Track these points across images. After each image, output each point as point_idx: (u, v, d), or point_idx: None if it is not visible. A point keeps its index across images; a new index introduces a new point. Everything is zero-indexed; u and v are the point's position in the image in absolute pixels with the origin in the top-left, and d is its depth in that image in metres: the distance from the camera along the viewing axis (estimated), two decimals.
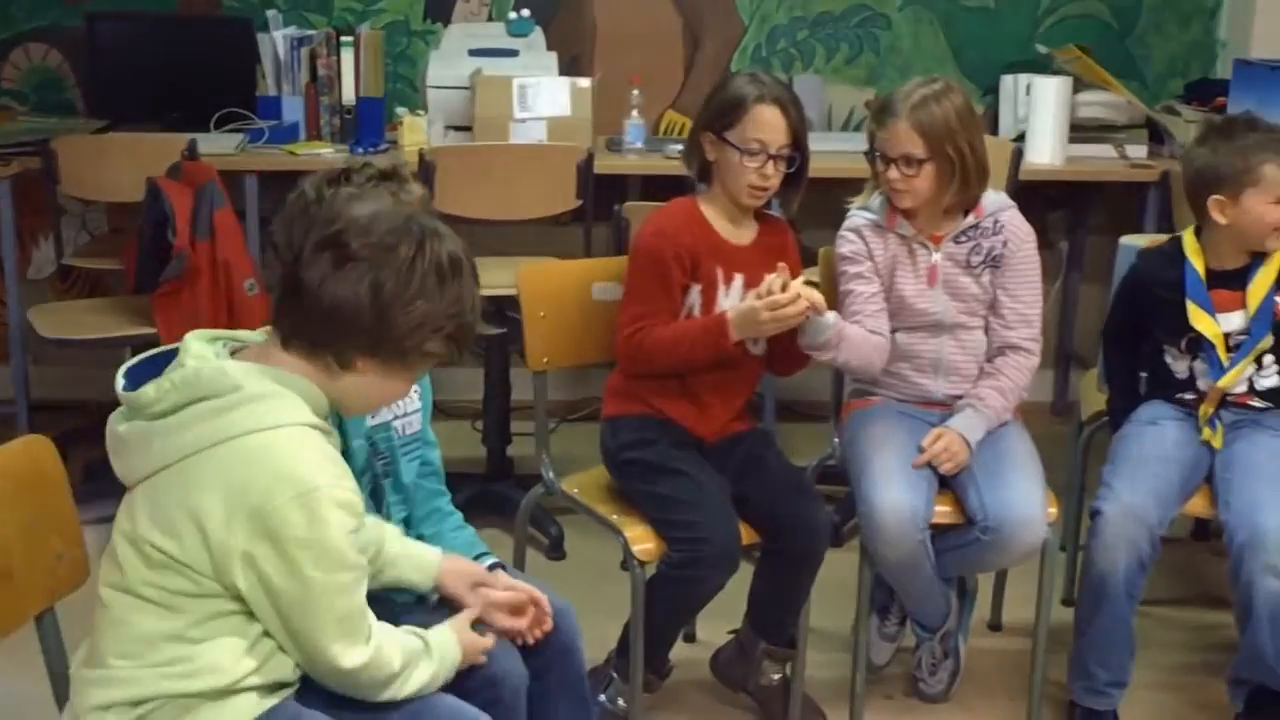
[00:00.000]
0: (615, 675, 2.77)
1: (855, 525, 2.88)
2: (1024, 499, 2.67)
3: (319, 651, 1.78)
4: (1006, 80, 4.42)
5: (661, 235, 2.69)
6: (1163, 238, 3.11)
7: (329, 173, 1.98)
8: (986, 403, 2.81)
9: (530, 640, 2.12)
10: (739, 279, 2.71)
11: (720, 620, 2.92)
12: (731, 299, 2.70)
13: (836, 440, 3.05)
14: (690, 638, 3.15)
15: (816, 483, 3.16)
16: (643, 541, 2.60)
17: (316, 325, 1.79)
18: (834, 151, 4.30)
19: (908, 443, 2.76)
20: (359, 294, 1.76)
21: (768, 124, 2.62)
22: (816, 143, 4.32)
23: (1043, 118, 4.18)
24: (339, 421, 2.04)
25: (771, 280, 2.53)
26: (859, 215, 2.91)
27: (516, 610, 2.11)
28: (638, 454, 2.69)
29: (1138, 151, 4.25)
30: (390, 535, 2.10)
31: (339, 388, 1.83)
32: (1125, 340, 3.05)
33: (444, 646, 1.94)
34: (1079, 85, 4.31)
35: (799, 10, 4.62)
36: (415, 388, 2.25)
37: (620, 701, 2.75)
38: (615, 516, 2.68)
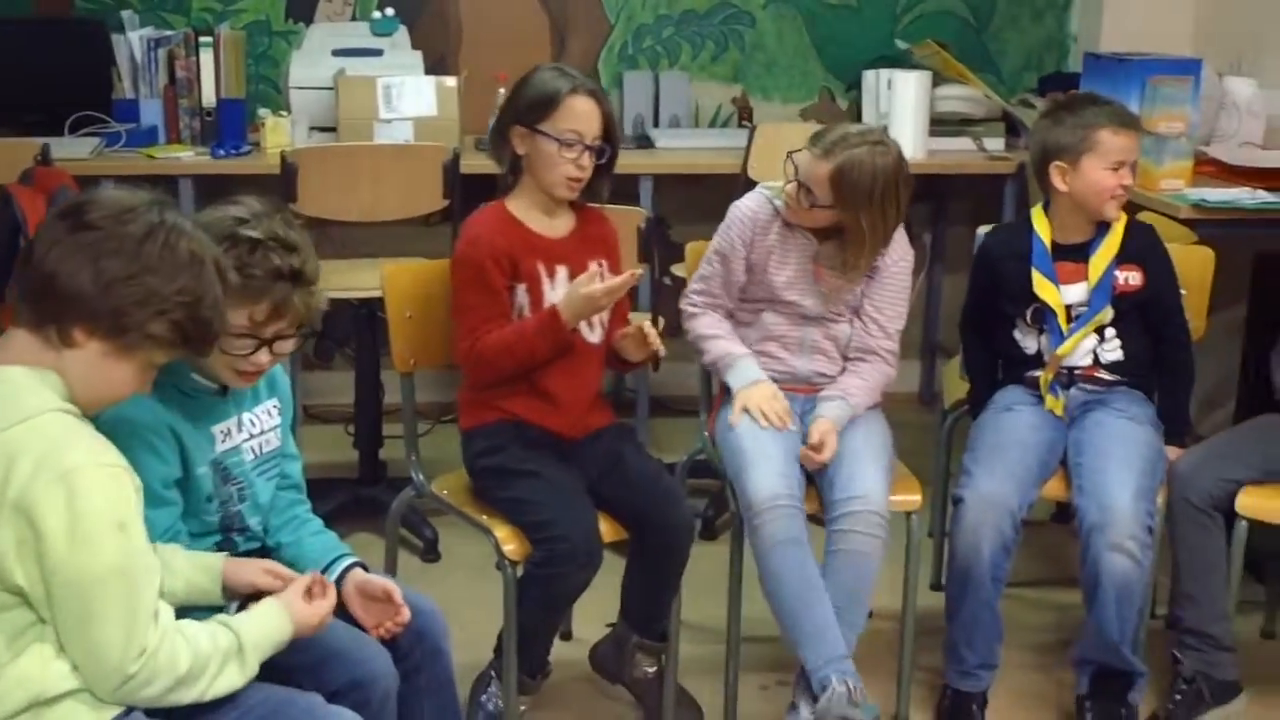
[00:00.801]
0: (494, 675, 2.76)
1: (729, 518, 2.90)
2: (868, 486, 2.72)
3: (95, 648, 1.72)
4: (868, 76, 4.48)
5: (475, 242, 2.67)
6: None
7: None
8: (853, 399, 2.86)
9: (384, 633, 2.12)
10: (562, 271, 2.72)
11: (599, 615, 2.93)
12: (558, 292, 2.70)
13: (707, 434, 3.07)
14: (567, 636, 3.14)
15: (688, 477, 3.20)
16: (511, 541, 2.59)
17: (39, 292, 1.76)
18: (702, 148, 4.37)
19: (779, 432, 2.79)
20: (81, 259, 1.74)
21: (583, 115, 2.63)
22: (685, 139, 4.44)
23: (903, 112, 4.24)
24: (181, 451, 2.02)
25: (590, 274, 2.60)
26: (765, 196, 2.94)
27: (372, 597, 2.13)
28: (490, 461, 2.68)
29: (995, 144, 4.34)
30: (171, 550, 2.03)
31: (65, 367, 1.77)
32: (981, 324, 3.13)
33: (265, 624, 1.90)
34: (938, 80, 4.39)
35: (664, 9, 4.63)
36: (274, 403, 2.22)
37: (499, 702, 2.73)
38: (485, 517, 2.66)
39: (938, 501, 3.42)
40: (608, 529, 2.66)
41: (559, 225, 2.76)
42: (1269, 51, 4.13)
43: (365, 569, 2.21)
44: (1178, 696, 2.86)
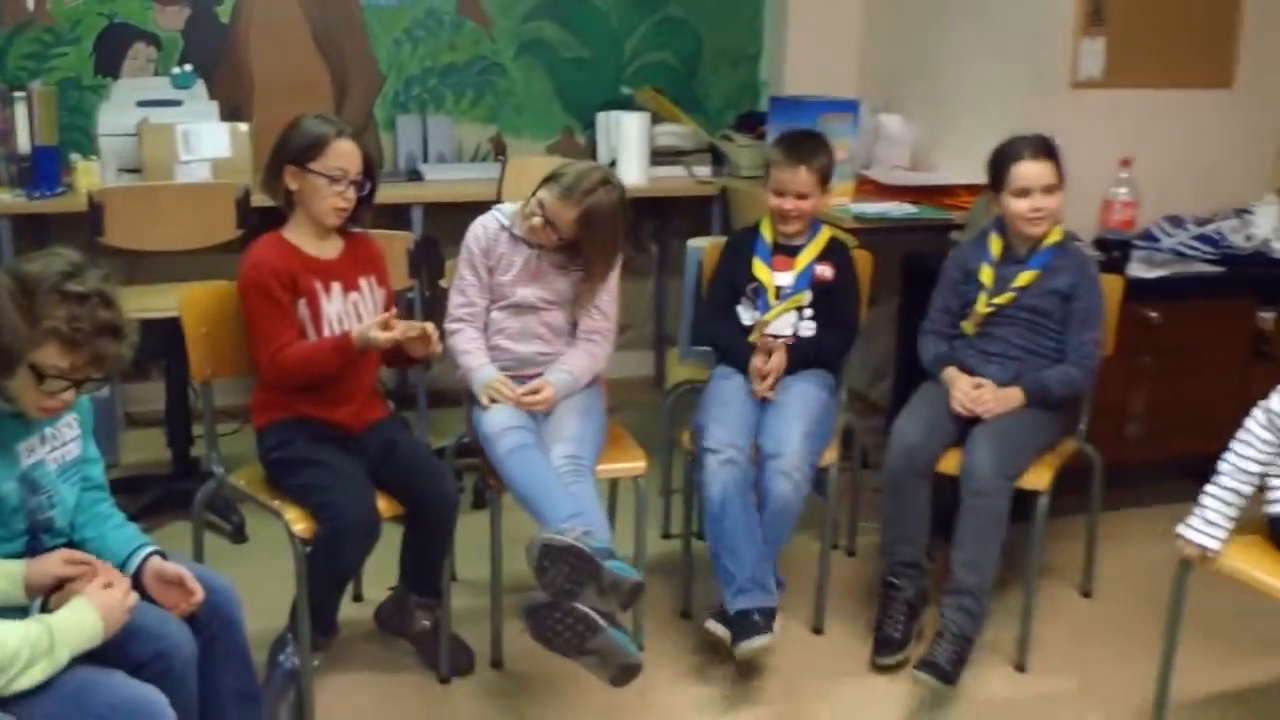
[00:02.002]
0: (291, 638, 2.69)
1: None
2: (575, 446, 2.77)
3: None
4: (601, 116, 4.53)
5: (258, 265, 2.63)
6: (721, 239, 3.41)
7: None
8: (575, 372, 2.91)
9: (182, 612, 2.06)
10: (336, 287, 2.70)
11: (385, 579, 2.90)
12: (335, 305, 2.69)
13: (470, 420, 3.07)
14: (358, 598, 3.10)
15: (458, 457, 3.19)
16: (300, 522, 2.54)
17: None
18: (464, 179, 4.34)
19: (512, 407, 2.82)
20: None
21: (347, 155, 2.62)
22: (449, 172, 4.40)
23: (629, 147, 4.30)
24: None
25: (383, 320, 2.59)
26: (494, 216, 2.96)
27: (168, 581, 2.06)
28: (280, 453, 2.64)
29: (704, 172, 4.43)
30: None
31: None
32: (723, 308, 3.20)
33: (74, 619, 1.83)
34: (656, 119, 4.47)
35: (429, 61, 4.57)
36: (73, 416, 2.12)
37: (295, 660, 2.67)
38: (277, 502, 2.60)
39: (664, 464, 3.49)
40: (387, 506, 2.63)
41: (330, 249, 2.73)
42: (913, 92, 4.32)
43: (164, 556, 2.12)
44: (900, 616, 2.94)
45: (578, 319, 2.97)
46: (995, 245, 3.03)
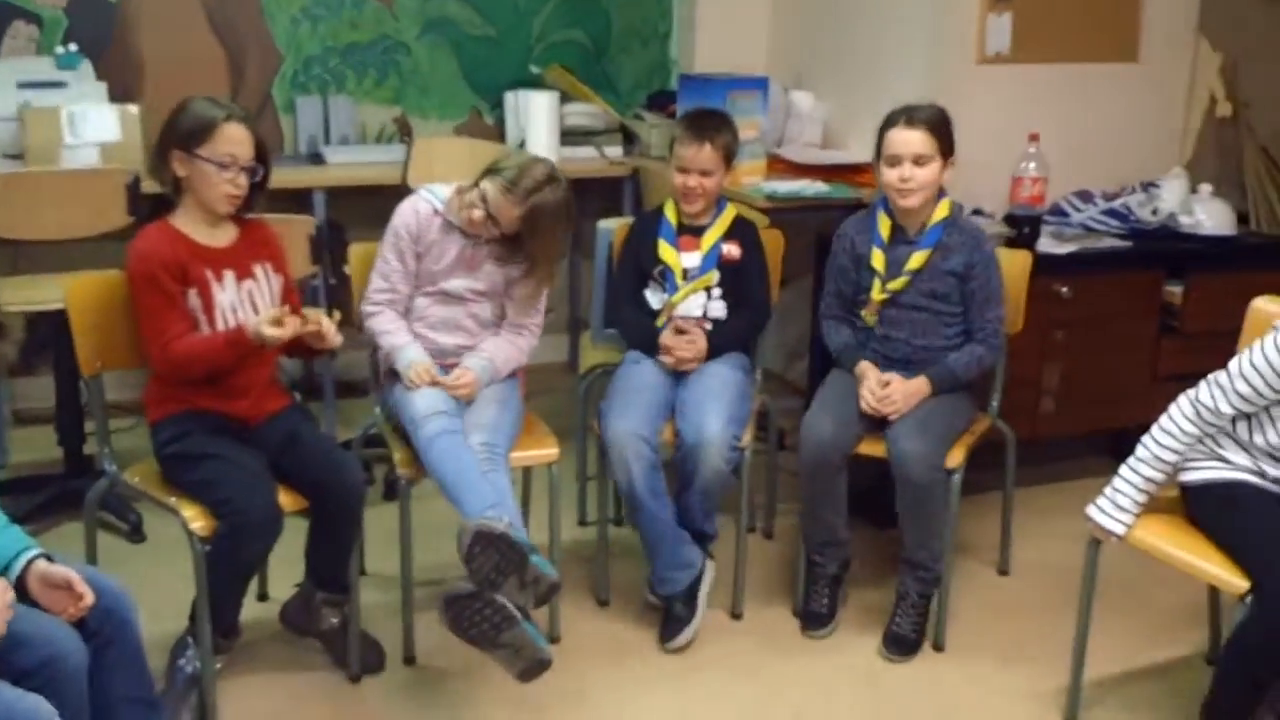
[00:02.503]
0: (191, 640, 2.60)
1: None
2: (490, 434, 2.73)
3: None
4: (509, 96, 4.45)
5: (144, 256, 2.52)
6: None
7: None
8: (497, 360, 2.88)
9: (70, 617, 1.98)
10: (229, 275, 2.61)
11: (292, 576, 2.80)
12: (228, 293, 2.60)
13: (378, 410, 2.99)
14: (264, 597, 3.00)
15: (365, 447, 3.11)
16: (198, 519, 2.44)
17: None
18: (368, 162, 4.23)
19: (436, 390, 2.76)
20: None
21: (237, 140, 2.52)
22: (352, 155, 4.29)
23: (538, 127, 4.23)
24: None
25: (274, 315, 2.50)
26: (426, 197, 2.90)
27: (54, 585, 1.97)
28: (176, 448, 2.54)
29: (615, 152, 4.38)
30: None
31: None
32: (629, 292, 3.17)
33: None
34: (566, 99, 4.40)
35: (330, 40, 4.45)
36: None
37: (196, 664, 2.58)
38: (173, 499, 2.50)
39: (580, 450, 3.44)
40: (290, 500, 2.55)
41: (222, 236, 2.63)
42: (824, 70, 4.30)
43: (50, 559, 2.02)
44: (825, 590, 2.99)
45: (508, 312, 2.94)
46: (884, 225, 2.98)
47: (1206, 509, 2.48)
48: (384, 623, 2.89)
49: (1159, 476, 2.48)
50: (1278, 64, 5.17)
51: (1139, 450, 2.49)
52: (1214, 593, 2.84)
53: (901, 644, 2.90)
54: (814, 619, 2.97)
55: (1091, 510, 2.53)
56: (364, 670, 2.77)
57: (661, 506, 2.88)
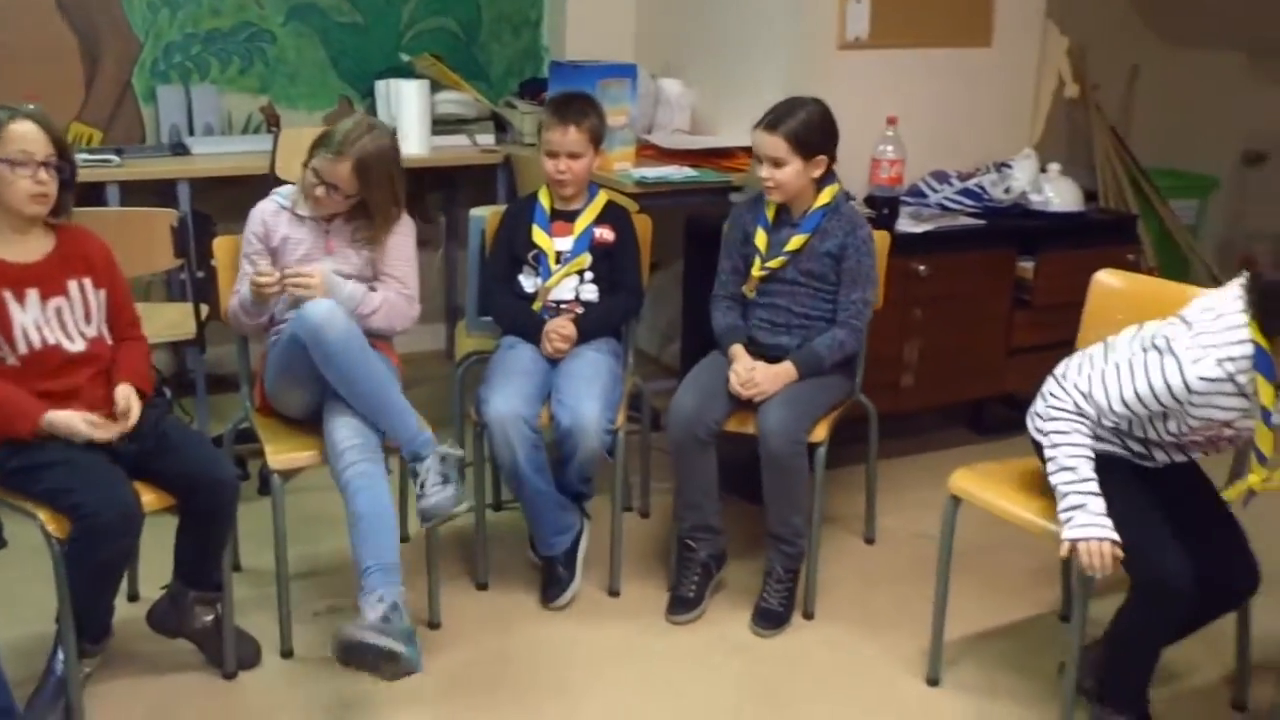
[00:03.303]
0: (58, 645, 2.55)
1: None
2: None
3: None
4: (379, 85, 4.41)
5: None
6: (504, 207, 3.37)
7: None
8: (358, 292, 2.89)
9: None
10: (32, 294, 2.50)
11: (160, 576, 2.75)
12: (30, 313, 2.49)
13: (248, 404, 2.97)
14: (134, 597, 2.96)
15: (236, 442, 3.08)
16: (55, 521, 2.38)
17: None
18: (234, 152, 4.16)
19: (307, 377, 2.74)
20: None
21: (27, 137, 2.45)
22: (218, 145, 4.22)
23: (409, 115, 4.21)
24: None
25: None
26: (273, 200, 2.93)
27: None
28: (16, 463, 2.43)
29: (487, 140, 4.38)
30: None
31: None
32: (504, 278, 3.19)
33: None
34: (437, 87, 4.38)
35: (190, 27, 4.35)
36: None
37: (63, 668, 2.52)
38: (29, 504, 2.42)
39: (458, 436, 3.45)
40: (155, 499, 2.51)
41: (33, 249, 2.53)
42: (692, 57, 4.35)
43: None
44: (695, 577, 3.03)
45: (377, 286, 2.95)
46: (770, 209, 3.08)
47: None
48: (260, 618, 2.86)
49: (1090, 464, 2.38)
50: (1124, 47, 5.41)
51: (1057, 459, 2.39)
52: None
53: (770, 618, 2.97)
54: (680, 604, 3.01)
55: (1071, 532, 2.32)
56: (240, 666, 2.75)
57: (544, 481, 2.98)
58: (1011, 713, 2.67)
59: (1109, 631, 2.44)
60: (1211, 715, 2.69)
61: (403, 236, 2.97)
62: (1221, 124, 5.41)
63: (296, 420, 2.87)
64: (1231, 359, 2.22)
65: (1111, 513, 2.32)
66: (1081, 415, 2.40)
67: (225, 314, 2.97)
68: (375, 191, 2.84)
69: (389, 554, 2.62)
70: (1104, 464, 2.39)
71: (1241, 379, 2.22)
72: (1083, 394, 2.40)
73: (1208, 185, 5.33)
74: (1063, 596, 3.05)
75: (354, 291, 2.87)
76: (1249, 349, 2.20)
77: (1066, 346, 2.73)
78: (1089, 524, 2.30)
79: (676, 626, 2.98)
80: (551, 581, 3.06)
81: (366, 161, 2.79)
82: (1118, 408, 2.37)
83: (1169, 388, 2.28)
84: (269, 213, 2.91)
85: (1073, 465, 2.36)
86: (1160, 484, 2.46)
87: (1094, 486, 2.33)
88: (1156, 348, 2.34)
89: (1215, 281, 5.03)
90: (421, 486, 2.70)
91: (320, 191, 2.81)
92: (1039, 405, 2.51)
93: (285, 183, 3.09)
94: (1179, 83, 5.47)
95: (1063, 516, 2.34)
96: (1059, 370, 2.53)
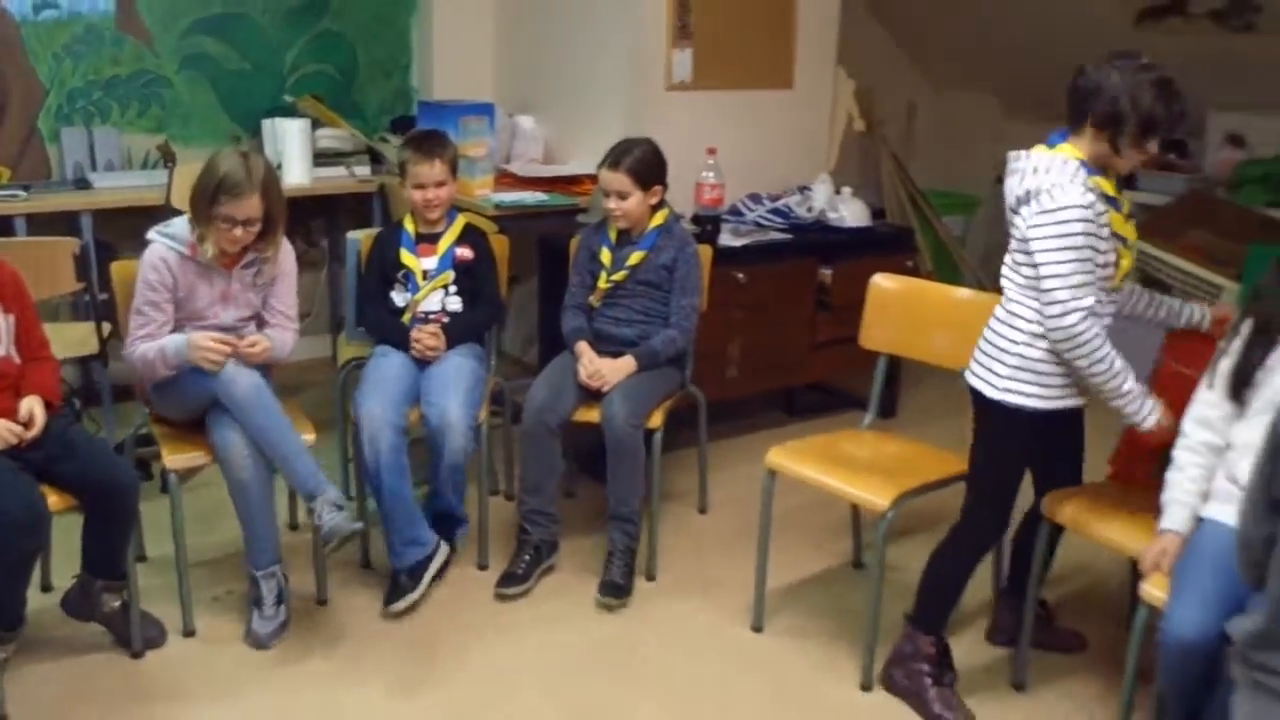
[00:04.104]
0: None
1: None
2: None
3: None
4: (266, 123, 4.25)
5: None
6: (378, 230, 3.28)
7: None
8: (274, 340, 2.76)
9: None
10: None
11: (70, 566, 2.62)
12: None
13: (147, 411, 2.83)
14: (46, 587, 2.79)
15: (141, 445, 2.93)
16: None
17: None
18: (133, 186, 3.96)
19: (194, 382, 2.61)
20: None
21: None
22: (118, 180, 4.00)
23: (292, 150, 4.07)
24: None
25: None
26: (162, 243, 2.67)
27: None
28: None
29: (363, 171, 4.25)
30: None
31: None
32: (376, 295, 3.10)
33: None
34: (317, 124, 4.24)
35: (92, 75, 4.11)
36: None
37: None
38: None
39: (342, 434, 3.35)
40: (59, 500, 2.38)
41: None
42: (544, 97, 4.31)
43: None
44: (526, 557, 2.96)
45: (266, 312, 2.80)
46: (613, 230, 3.09)
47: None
48: (163, 602, 2.73)
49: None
50: (903, 89, 5.58)
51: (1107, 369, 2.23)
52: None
53: (615, 589, 2.89)
54: (508, 579, 2.92)
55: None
56: (146, 646, 2.62)
57: (402, 485, 2.81)
58: (821, 647, 2.73)
59: (932, 561, 2.48)
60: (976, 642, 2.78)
61: (289, 273, 2.82)
62: (980, 152, 5.60)
63: (184, 425, 2.73)
64: (1074, 175, 2.16)
65: (991, 455, 2.35)
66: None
67: (123, 328, 2.77)
68: (275, 205, 2.65)
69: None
70: (1018, 421, 2.29)
71: (1090, 183, 2.17)
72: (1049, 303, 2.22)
73: (972, 203, 5.53)
74: (853, 548, 3.12)
75: (276, 348, 2.74)
76: (1076, 163, 2.18)
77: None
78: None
79: (534, 600, 2.90)
80: (394, 586, 2.83)
81: (267, 182, 2.61)
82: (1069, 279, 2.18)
83: (1081, 219, 2.15)
84: (172, 262, 2.65)
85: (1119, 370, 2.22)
86: (1048, 438, 2.38)
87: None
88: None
89: (980, 284, 5.24)
90: (319, 517, 2.58)
91: (239, 233, 2.60)
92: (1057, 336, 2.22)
93: (180, 212, 2.84)
94: (947, 118, 5.67)
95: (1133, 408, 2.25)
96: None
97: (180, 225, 2.70)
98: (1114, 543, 2.33)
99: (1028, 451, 2.38)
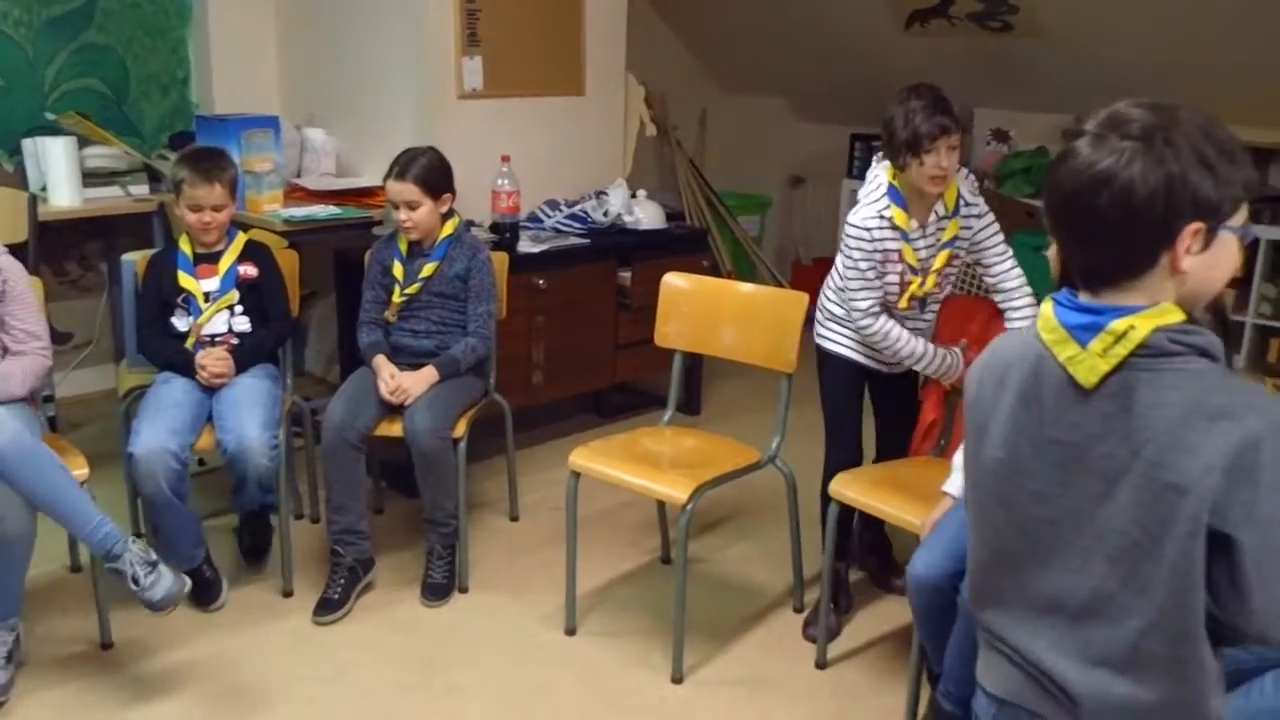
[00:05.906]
0: None
1: None
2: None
3: None
4: (27, 143, 3.93)
5: None
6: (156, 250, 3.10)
7: None
8: (14, 379, 2.57)
9: None
10: None
11: None
12: None
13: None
14: None
15: None
16: None
17: None
18: None
19: None
20: None
21: None
22: None
23: (58, 170, 3.78)
24: None
25: None
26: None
27: None
28: None
29: (141, 190, 4.00)
30: None
31: None
32: (155, 320, 2.94)
33: None
34: (86, 143, 3.97)
35: None
36: None
37: None
38: None
39: (128, 466, 3.12)
40: None
41: None
42: (333, 108, 4.17)
43: None
44: (341, 580, 2.85)
45: (6, 337, 2.59)
46: (403, 242, 3.02)
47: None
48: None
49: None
50: (696, 95, 5.70)
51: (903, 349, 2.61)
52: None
53: (436, 590, 2.89)
54: (324, 605, 2.81)
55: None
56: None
57: (178, 513, 2.69)
58: (634, 645, 2.73)
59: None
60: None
61: (21, 294, 2.61)
62: (772, 155, 5.81)
63: None
64: (874, 201, 2.52)
65: (830, 406, 2.73)
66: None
67: None
68: None
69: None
70: (835, 362, 2.71)
71: (886, 212, 2.51)
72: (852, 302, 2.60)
73: (765, 204, 5.70)
74: (661, 543, 3.16)
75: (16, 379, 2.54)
76: (884, 188, 2.52)
77: None
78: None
79: (349, 618, 2.81)
80: (203, 586, 2.77)
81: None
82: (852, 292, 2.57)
83: (858, 240, 2.51)
84: None
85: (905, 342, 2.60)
86: (878, 389, 2.81)
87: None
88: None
89: (776, 280, 5.40)
90: (135, 582, 2.34)
91: None
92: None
93: None
94: (739, 123, 5.82)
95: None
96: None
97: None
98: (895, 516, 2.44)
99: (843, 394, 2.73)
